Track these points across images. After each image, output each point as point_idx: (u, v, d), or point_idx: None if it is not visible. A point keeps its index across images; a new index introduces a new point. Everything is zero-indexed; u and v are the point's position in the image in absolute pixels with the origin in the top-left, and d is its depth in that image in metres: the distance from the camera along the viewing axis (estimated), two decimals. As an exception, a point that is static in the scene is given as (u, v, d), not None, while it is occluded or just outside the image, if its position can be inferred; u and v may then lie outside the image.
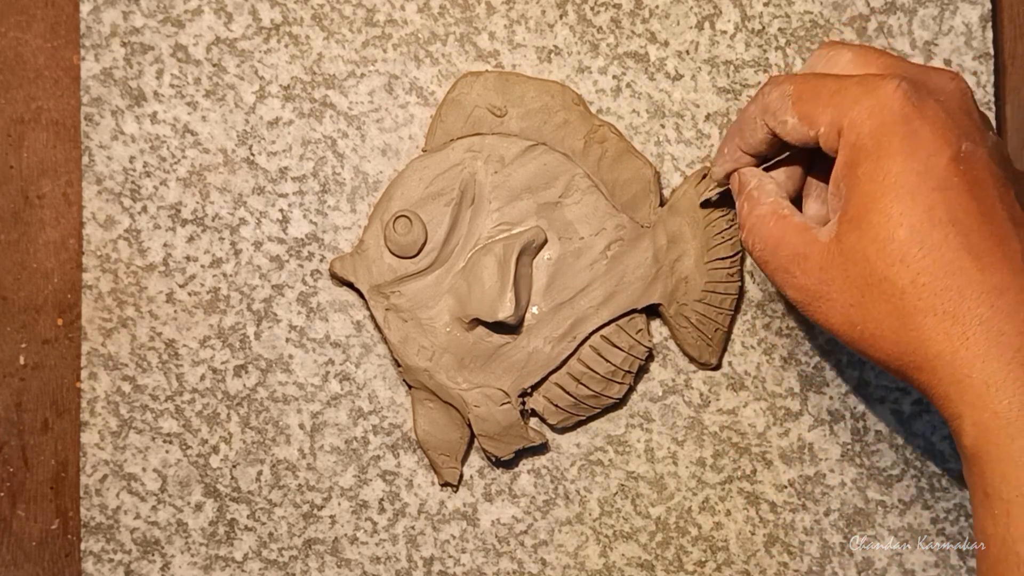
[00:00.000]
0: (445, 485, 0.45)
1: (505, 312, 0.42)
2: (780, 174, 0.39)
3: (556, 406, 0.44)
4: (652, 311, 0.45)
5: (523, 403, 0.44)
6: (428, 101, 0.45)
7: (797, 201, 0.40)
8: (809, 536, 0.46)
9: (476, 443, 0.45)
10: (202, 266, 0.45)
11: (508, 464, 0.45)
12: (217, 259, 0.45)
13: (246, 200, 0.45)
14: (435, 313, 0.43)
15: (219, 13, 0.44)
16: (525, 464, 0.45)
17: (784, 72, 0.45)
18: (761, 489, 0.46)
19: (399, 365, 0.44)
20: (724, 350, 0.45)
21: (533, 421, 0.45)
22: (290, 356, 0.45)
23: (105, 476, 0.44)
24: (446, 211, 0.43)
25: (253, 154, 0.45)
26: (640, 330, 0.44)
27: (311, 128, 0.45)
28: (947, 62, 0.45)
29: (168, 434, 0.45)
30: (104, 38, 0.44)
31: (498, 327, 0.43)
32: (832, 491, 0.46)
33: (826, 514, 0.46)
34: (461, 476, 0.45)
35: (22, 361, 0.45)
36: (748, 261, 0.45)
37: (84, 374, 0.44)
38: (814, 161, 0.39)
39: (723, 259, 0.44)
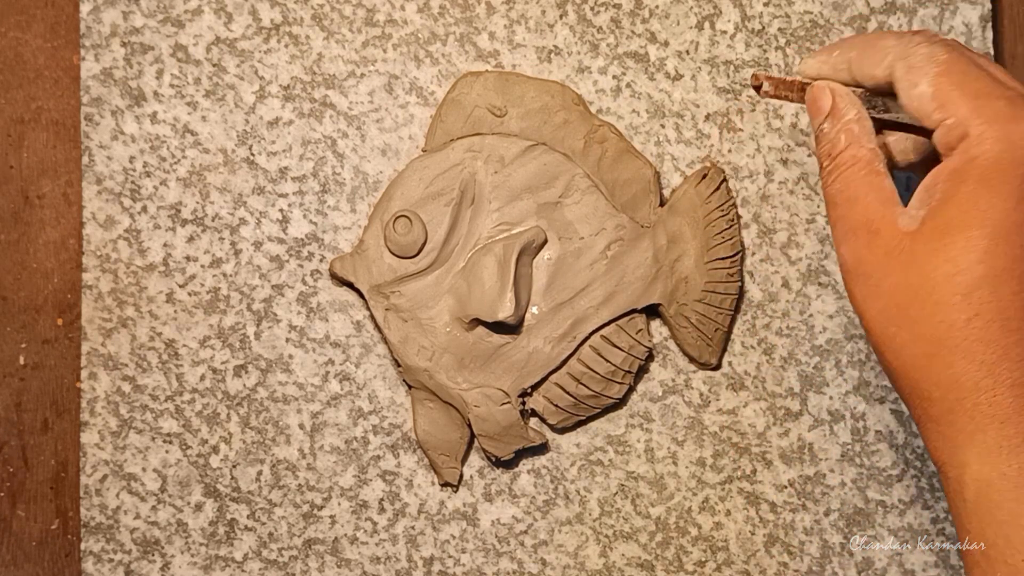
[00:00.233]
0: (445, 485, 0.45)
1: (505, 312, 0.42)
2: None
3: (556, 406, 0.44)
4: (652, 311, 0.45)
5: (523, 403, 0.44)
6: (428, 101, 0.45)
7: None
8: (809, 536, 0.46)
9: (476, 443, 0.45)
10: (202, 266, 0.45)
11: (508, 464, 0.45)
12: (217, 259, 0.45)
13: (246, 200, 0.45)
14: (435, 313, 0.43)
15: (219, 13, 0.44)
16: (525, 464, 0.45)
17: (784, 72, 0.45)
18: (761, 489, 0.46)
19: (399, 365, 0.44)
20: (724, 350, 0.45)
21: (533, 421, 0.45)
22: (290, 356, 0.45)
23: (105, 476, 0.44)
24: (446, 211, 0.43)
25: (253, 154, 0.45)
26: (640, 330, 0.44)
27: (311, 128, 0.45)
28: (947, 62, 0.45)
29: (168, 434, 0.45)
30: (104, 38, 0.44)
31: (498, 327, 0.43)
32: (832, 491, 0.46)
33: (826, 514, 0.46)
34: (461, 476, 0.45)
35: (22, 361, 0.45)
36: (748, 261, 0.45)
37: (84, 374, 0.44)
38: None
39: (723, 259, 0.44)
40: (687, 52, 0.45)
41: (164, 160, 0.44)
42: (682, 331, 0.44)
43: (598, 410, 0.45)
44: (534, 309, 0.43)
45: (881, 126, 0.36)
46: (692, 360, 0.45)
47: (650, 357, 0.45)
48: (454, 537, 0.45)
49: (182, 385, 0.45)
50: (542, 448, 0.45)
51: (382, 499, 0.45)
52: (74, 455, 0.45)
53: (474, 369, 0.43)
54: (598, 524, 0.45)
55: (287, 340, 0.45)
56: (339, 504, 0.45)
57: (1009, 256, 0.31)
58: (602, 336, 0.44)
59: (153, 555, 0.45)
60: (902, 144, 0.37)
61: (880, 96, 0.35)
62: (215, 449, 0.45)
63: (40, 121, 0.45)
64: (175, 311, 0.45)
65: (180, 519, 0.45)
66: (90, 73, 0.44)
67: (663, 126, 0.45)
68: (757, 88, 0.37)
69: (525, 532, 0.45)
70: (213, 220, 0.45)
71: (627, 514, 0.46)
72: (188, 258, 0.44)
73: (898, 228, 0.33)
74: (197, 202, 0.44)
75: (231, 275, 0.45)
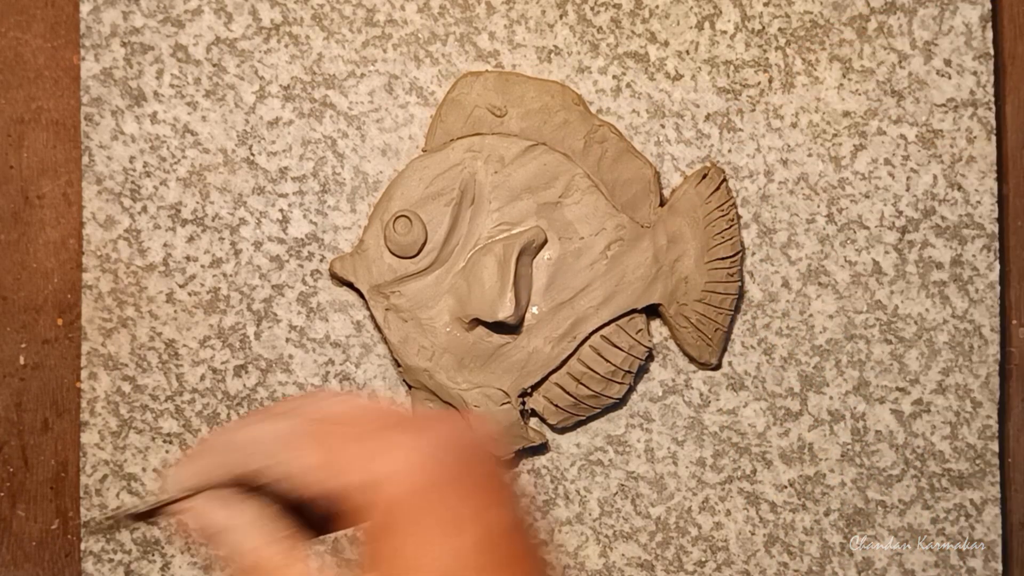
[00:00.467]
0: (445, 485, 0.45)
1: (505, 312, 0.42)
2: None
3: (556, 406, 0.44)
4: (652, 311, 0.45)
5: (523, 403, 0.44)
6: (428, 101, 0.45)
7: None
8: (809, 536, 0.46)
9: (476, 443, 0.45)
10: (202, 266, 0.45)
11: (508, 464, 0.45)
12: (217, 259, 0.45)
13: (246, 200, 0.45)
14: (435, 313, 0.43)
15: (219, 13, 0.44)
16: (525, 464, 0.45)
17: (784, 72, 0.45)
18: (761, 489, 0.46)
19: (399, 365, 0.44)
20: (724, 350, 0.45)
21: (533, 421, 0.45)
22: (290, 356, 0.45)
23: (105, 476, 0.44)
24: (446, 211, 0.43)
25: (253, 154, 0.45)
26: (640, 330, 0.44)
27: (311, 128, 0.45)
28: (947, 62, 0.45)
29: (168, 434, 0.45)
30: (104, 38, 0.44)
31: (498, 327, 0.43)
32: (832, 491, 0.46)
33: (826, 514, 0.46)
34: (461, 476, 0.45)
35: (22, 361, 0.45)
36: (748, 261, 0.45)
37: (84, 374, 0.44)
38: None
39: (723, 259, 0.44)
40: (687, 52, 0.45)
41: (164, 160, 0.44)
42: (682, 331, 0.44)
43: (598, 410, 0.45)
44: (534, 309, 0.43)
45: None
46: (692, 360, 0.45)
47: (650, 357, 0.45)
48: (454, 537, 0.45)
49: (182, 385, 0.45)
50: (542, 448, 0.45)
51: (382, 499, 0.45)
52: (74, 455, 0.45)
53: (474, 369, 0.43)
54: (598, 524, 0.45)
55: (287, 340, 0.45)
56: (339, 504, 0.45)
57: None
58: (602, 336, 0.44)
59: (153, 555, 0.45)
60: None
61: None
62: (215, 449, 0.45)
63: (40, 121, 0.45)
64: (175, 311, 0.45)
65: (180, 519, 0.45)
66: (90, 73, 0.44)
67: (663, 126, 0.45)
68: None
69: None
70: (213, 220, 0.44)
71: (627, 514, 0.45)
72: (188, 258, 0.44)
73: None
74: (197, 202, 0.44)
75: (231, 275, 0.45)
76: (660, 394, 0.46)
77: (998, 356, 0.46)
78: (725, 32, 0.45)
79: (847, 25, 0.45)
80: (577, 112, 0.44)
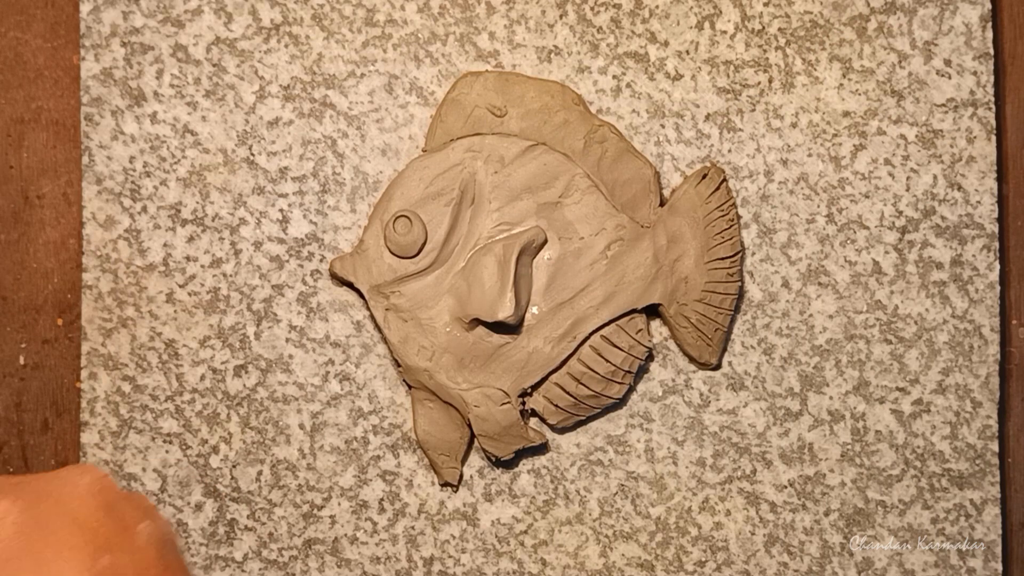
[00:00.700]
0: (445, 485, 0.45)
1: (505, 312, 0.42)
2: None
3: (556, 406, 0.44)
4: (652, 311, 0.45)
5: (523, 403, 0.44)
6: (428, 101, 0.45)
7: None
8: (809, 536, 0.46)
9: (476, 443, 0.45)
10: (202, 266, 0.45)
11: (508, 464, 0.45)
12: (217, 259, 0.45)
13: (246, 200, 0.45)
14: (435, 313, 0.43)
15: (219, 13, 0.44)
16: (525, 464, 0.45)
17: (784, 72, 0.45)
18: (761, 489, 0.46)
19: (399, 365, 0.44)
20: (724, 350, 0.45)
21: (533, 421, 0.45)
22: (290, 356, 0.45)
23: (105, 476, 0.44)
24: (446, 211, 0.43)
25: (253, 154, 0.45)
26: (640, 330, 0.44)
27: (311, 128, 0.45)
28: (947, 62, 0.45)
29: (168, 434, 0.45)
30: (104, 38, 0.44)
31: (498, 327, 0.43)
32: (832, 491, 0.46)
33: (826, 514, 0.46)
34: (461, 476, 0.45)
35: (22, 361, 0.45)
36: (748, 261, 0.45)
37: (84, 374, 0.44)
38: None
39: (723, 259, 0.44)
40: (687, 52, 0.45)
41: (164, 160, 0.44)
42: (682, 331, 0.44)
43: (598, 410, 0.45)
44: (534, 309, 0.43)
45: None
46: (692, 360, 0.45)
47: (650, 357, 0.45)
48: (454, 537, 0.45)
49: (182, 385, 0.45)
50: (542, 448, 0.45)
51: (382, 499, 0.45)
52: (74, 455, 0.45)
53: (474, 369, 0.43)
54: (598, 524, 0.45)
55: (287, 340, 0.45)
56: (339, 504, 0.45)
57: None
58: (602, 336, 0.44)
59: (153, 555, 0.45)
60: None
61: None
62: (215, 449, 0.45)
63: (40, 121, 0.45)
64: (175, 311, 0.45)
65: (180, 519, 0.45)
66: (90, 73, 0.44)
67: (663, 126, 0.45)
68: None
69: (525, 532, 0.45)
70: (213, 220, 0.45)
71: (627, 514, 0.45)
72: (188, 258, 0.44)
73: None
74: (197, 202, 0.44)
75: (231, 275, 0.45)
76: (660, 394, 0.46)
77: (998, 356, 0.46)
78: (725, 32, 0.45)
79: (847, 25, 0.45)
80: (577, 112, 0.44)
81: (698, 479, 0.46)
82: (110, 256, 0.44)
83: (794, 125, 0.45)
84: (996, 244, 0.45)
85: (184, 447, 0.45)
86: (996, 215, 0.45)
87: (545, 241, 0.44)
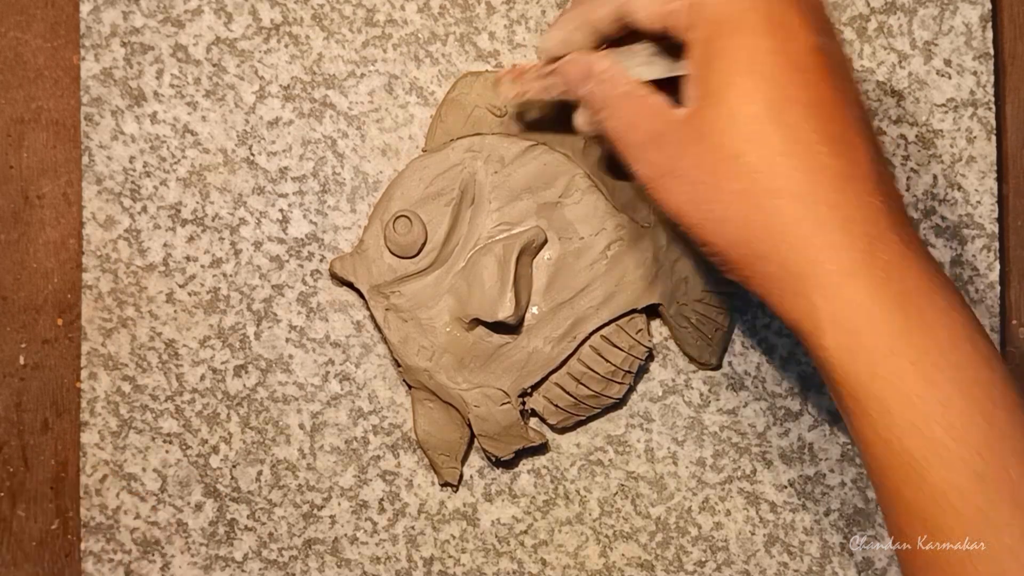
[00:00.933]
0: (445, 485, 0.45)
1: (505, 312, 0.42)
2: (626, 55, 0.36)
3: (556, 406, 0.44)
4: (652, 311, 0.45)
5: (523, 403, 0.44)
6: (428, 101, 0.45)
7: None
8: (809, 536, 0.46)
9: (476, 443, 0.45)
10: (202, 266, 0.45)
11: (508, 464, 0.45)
12: (217, 259, 0.45)
13: (246, 200, 0.45)
14: (435, 313, 0.43)
15: (219, 13, 0.44)
16: (525, 464, 0.45)
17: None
18: (761, 489, 0.46)
19: (399, 365, 0.44)
20: (724, 350, 0.45)
21: (533, 421, 0.45)
22: (290, 356, 0.45)
23: (105, 476, 0.44)
24: (446, 211, 0.43)
25: (253, 154, 0.45)
26: (640, 330, 0.44)
27: (311, 128, 0.45)
28: (947, 62, 0.45)
29: (168, 434, 0.45)
30: (104, 38, 0.44)
31: (498, 327, 0.43)
32: (832, 491, 0.46)
33: (826, 514, 0.46)
34: (461, 476, 0.45)
35: (22, 361, 0.45)
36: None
37: (84, 374, 0.44)
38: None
39: (723, 259, 0.44)
40: (687, 52, 0.45)
41: (164, 160, 0.44)
42: (682, 331, 0.44)
43: (598, 410, 0.45)
44: (534, 309, 0.43)
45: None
46: (692, 360, 0.45)
47: (650, 357, 0.45)
48: (454, 537, 0.45)
49: (182, 385, 0.45)
50: (542, 448, 0.45)
51: (382, 499, 0.45)
52: (74, 455, 0.45)
53: (474, 369, 0.43)
54: (598, 524, 0.45)
55: (287, 340, 0.45)
56: (339, 504, 0.45)
57: (781, 86, 0.31)
58: (602, 336, 0.44)
59: (153, 555, 0.45)
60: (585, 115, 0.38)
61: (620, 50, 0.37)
62: (215, 449, 0.45)
63: (40, 121, 0.45)
64: (175, 311, 0.45)
65: (180, 519, 0.45)
66: (90, 73, 0.44)
67: (663, 126, 0.45)
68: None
69: (525, 532, 0.45)
70: (213, 220, 0.45)
71: (627, 514, 0.46)
72: (188, 258, 0.44)
73: (678, 119, 0.33)
74: (197, 202, 0.44)
75: (231, 275, 0.45)
76: (660, 394, 0.46)
77: (998, 356, 0.46)
78: (725, 32, 0.45)
79: (847, 25, 0.45)
80: (577, 112, 0.44)
81: (698, 479, 0.46)
82: (110, 256, 0.44)
83: (794, 125, 0.45)
84: (996, 244, 0.45)
85: (184, 447, 0.45)
86: (996, 215, 0.45)
87: (545, 241, 0.44)
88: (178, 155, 0.44)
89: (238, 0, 0.44)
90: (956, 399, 0.30)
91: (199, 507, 0.45)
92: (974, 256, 0.45)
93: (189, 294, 0.45)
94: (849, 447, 0.46)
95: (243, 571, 0.45)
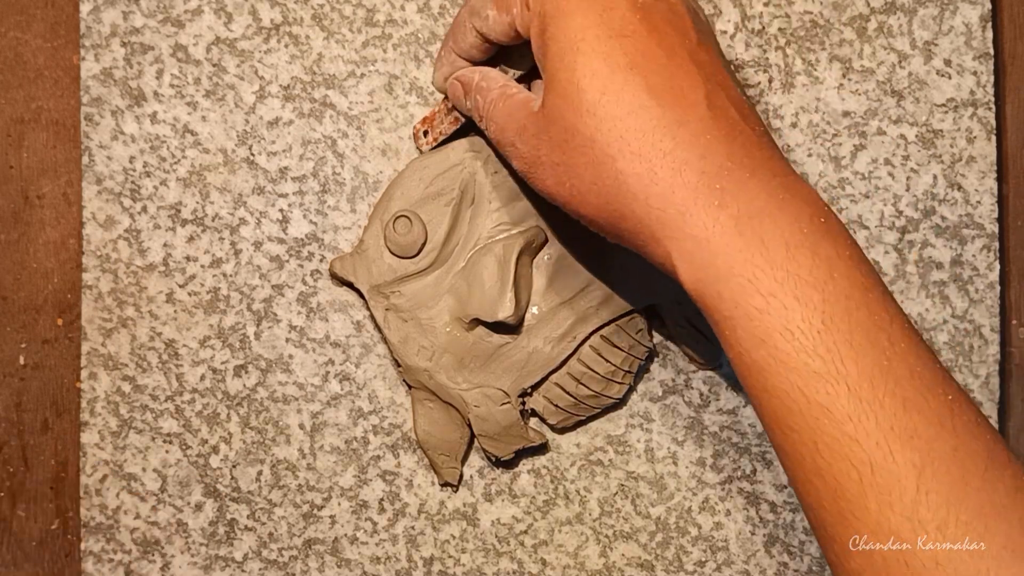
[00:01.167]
0: (445, 485, 0.45)
1: (505, 312, 0.42)
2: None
3: (556, 406, 0.44)
4: (652, 311, 0.45)
5: (523, 403, 0.44)
6: (428, 101, 0.45)
7: None
8: (809, 536, 0.46)
9: (476, 443, 0.45)
10: (202, 266, 0.45)
11: (508, 464, 0.45)
12: (217, 259, 0.45)
13: (246, 200, 0.45)
14: (435, 313, 0.43)
15: (219, 13, 0.44)
16: (525, 464, 0.45)
17: (784, 72, 0.45)
18: (761, 489, 0.46)
19: (399, 365, 0.44)
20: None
21: (533, 421, 0.45)
22: (290, 356, 0.45)
23: (105, 476, 0.44)
24: (446, 211, 0.43)
25: (253, 154, 0.45)
26: (640, 330, 0.44)
27: (311, 128, 0.45)
28: (947, 62, 0.45)
29: (168, 434, 0.45)
30: (104, 38, 0.44)
31: (498, 327, 0.43)
32: (832, 491, 0.46)
33: (826, 514, 0.46)
34: (461, 476, 0.45)
35: (22, 361, 0.45)
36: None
37: (84, 374, 0.44)
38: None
39: (723, 259, 0.44)
40: (687, 52, 0.45)
41: (164, 160, 0.44)
42: (682, 331, 0.44)
43: (598, 410, 0.45)
44: (534, 309, 0.43)
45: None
46: (692, 360, 0.45)
47: (650, 357, 0.45)
48: (454, 537, 0.45)
49: (182, 385, 0.45)
50: (542, 448, 0.45)
51: (382, 499, 0.45)
52: (74, 455, 0.45)
53: (474, 369, 0.43)
54: (598, 524, 0.45)
55: (287, 340, 0.45)
56: (339, 504, 0.45)
57: (602, 56, 0.34)
58: (602, 336, 0.44)
59: (153, 555, 0.45)
60: None
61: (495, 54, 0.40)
62: (215, 449, 0.45)
63: (40, 121, 0.45)
64: (175, 311, 0.45)
65: (180, 519, 0.45)
66: (90, 73, 0.44)
67: (663, 126, 0.45)
68: (419, 146, 0.43)
69: (525, 532, 0.45)
70: (213, 220, 0.45)
71: (627, 514, 0.46)
72: (188, 258, 0.44)
73: (534, 112, 0.36)
74: (197, 202, 0.44)
75: (231, 275, 0.45)
76: (660, 394, 0.46)
77: (998, 356, 0.46)
78: (725, 32, 0.45)
79: (847, 25, 0.45)
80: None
81: (698, 479, 0.46)
82: (110, 256, 0.44)
83: (794, 125, 0.45)
84: (996, 244, 0.45)
85: (184, 447, 0.45)
86: (996, 215, 0.45)
87: (545, 241, 0.44)
88: (178, 155, 0.44)
89: (238, 0, 0.44)
90: (795, 308, 0.31)
91: (199, 507, 0.45)
92: (974, 256, 0.45)
93: (189, 294, 0.45)
94: (849, 447, 0.46)
95: (243, 571, 0.45)
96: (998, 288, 0.45)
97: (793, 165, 0.45)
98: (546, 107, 0.35)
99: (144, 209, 0.44)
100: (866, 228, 0.45)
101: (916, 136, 0.45)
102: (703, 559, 0.46)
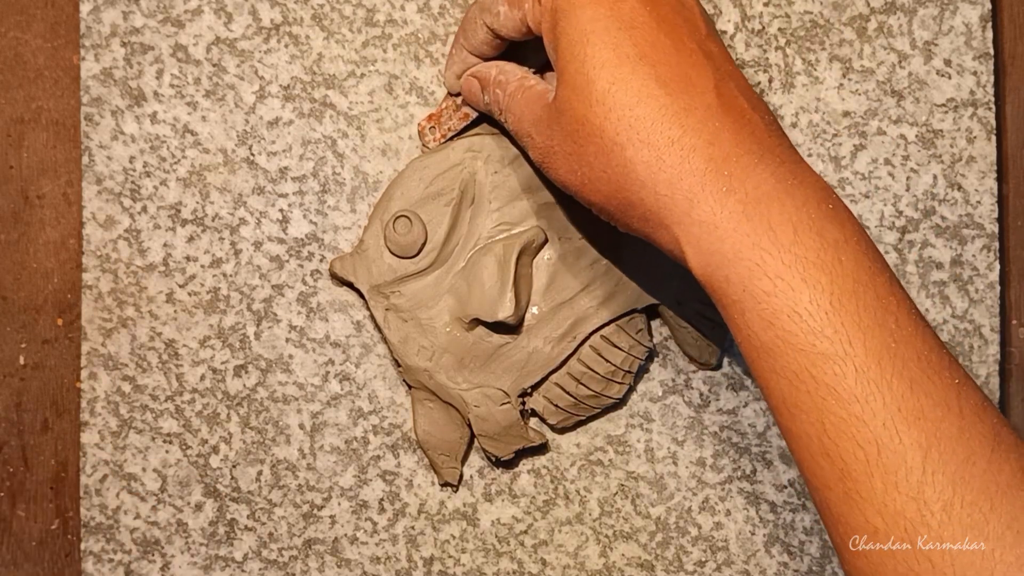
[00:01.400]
0: (445, 485, 0.45)
1: (505, 312, 0.42)
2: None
3: (556, 406, 0.44)
4: (652, 311, 0.45)
5: (523, 403, 0.44)
6: (428, 101, 0.45)
7: None
8: (809, 536, 0.46)
9: (476, 443, 0.45)
10: (202, 266, 0.45)
11: (508, 464, 0.45)
12: (217, 259, 0.45)
13: (246, 200, 0.45)
14: (435, 313, 0.43)
15: (219, 13, 0.44)
16: (525, 464, 0.45)
17: (784, 72, 0.45)
18: (761, 489, 0.46)
19: (399, 365, 0.44)
20: (724, 350, 0.45)
21: (533, 421, 0.45)
22: (290, 356, 0.45)
23: (105, 476, 0.44)
24: (446, 211, 0.43)
25: (253, 154, 0.45)
26: (640, 330, 0.44)
27: (311, 128, 0.45)
28: (947, 62, 0.45)
29: (168, 434, 0.45)
30: (104, 38, 0.44)
31: (498, 327, 0.43)
32: (832, 491, 0.46)
33: (826, 514, 0.46)
34: (461, 476, 0.45)
35: (22, 361, 0.45)
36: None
37: (84, 374, 0.44)
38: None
39: (723, 259, 0.44)
40: (687, 52, 0.45)
41: (164, 160, 0.44)
42: (682, 331, 0.44)
43: (598, 410, 0.45)
44: (534, 309, 0.43)
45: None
46: (692, 360, 0.45)
47: (650, 357, 0.45)
48: (454, 537, 0.45)
49: (182, 385, 0.45)
50: (542, 448, 0.45)
51: (382, 499, 0.45)
52: (74, 455, 0.45)
53: (474, 369, 0.43)
54: (598, 524, 0.45)
55: (287, 340, 0.45)
56: (339, 504, 0.45)
57: (611, 46, 0.34)
58: (602, 336, 0.44)
59: (153, 555, 0.45)
60: None
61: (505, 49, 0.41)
62: (215, 449, 0.45)
63: (40, 121, 0.45)
64: (175, 311, 0.45)
65: (180, 519, 0.45)
66: (90, 73, 0.44)
67: (663, 126, 0.45)
68: (426, 143, 0.43)
69: (525, 532, 0.45)
70: (213, 220, 0.45)
71: (627, 514, 0.46)
72: (188, 258, 0.44)
73: (549, 102, 0.37)
74: (197, 202, 0.44)
75: (231, 275, 0.45)
76: (660, 394, 0.46)
77: (998, 356, 0.46)
78: (725, 32, 0.45)
79: (847, 25, 0.45)
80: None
81: (698, 479, 0.46)
82: (110, 256, 0.44)
83: (794, 125, 0.45)
84: (996, 244, 0.45)
85: (184, 447, 0.45)
86: (996, 215, 0.45)
87: (545, 241, 0.44)
88: (178, 155, 0.44)
89: (238, 0, 0.44)
90: (802, 290, 0.32)
91: (199, 507, 0.45)
92: (974, 256, 0.45)
93: (189, 294, 0.45)
94: (849, 447, 0.46)
95: (243, 571, 0.45)
96: (998, 288, 0.45)
97: (793, 165, 0.45)
98: (558, 98, 0.36)
99: (144, 209, 0.44)
100: (866, 228, 0.45)
101: (916, 136, 0.45)
102: (703, 559, 0.46)
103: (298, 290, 0.45)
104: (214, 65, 0.44)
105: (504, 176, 0.43)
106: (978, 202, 0.45)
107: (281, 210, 0.45)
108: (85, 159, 0.44)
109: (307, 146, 0.45)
